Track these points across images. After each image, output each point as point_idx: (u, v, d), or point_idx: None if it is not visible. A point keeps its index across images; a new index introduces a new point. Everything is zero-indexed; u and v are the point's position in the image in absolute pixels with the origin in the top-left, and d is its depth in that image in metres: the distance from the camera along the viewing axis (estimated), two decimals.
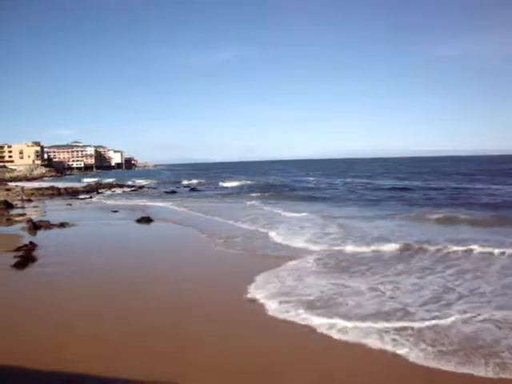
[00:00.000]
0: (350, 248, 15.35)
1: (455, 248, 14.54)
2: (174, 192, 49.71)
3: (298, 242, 16.70)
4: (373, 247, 15.30)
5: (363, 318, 8.61)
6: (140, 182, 72.90)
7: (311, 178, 74.58)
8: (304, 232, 18.77)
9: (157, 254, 16.42)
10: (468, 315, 8.60)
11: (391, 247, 15.19)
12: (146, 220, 24.48)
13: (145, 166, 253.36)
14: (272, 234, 18.61)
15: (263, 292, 10.48)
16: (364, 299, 9.81)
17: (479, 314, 8.61)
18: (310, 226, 20.35)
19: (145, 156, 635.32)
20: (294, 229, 19.73)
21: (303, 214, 24.69)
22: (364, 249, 15.19)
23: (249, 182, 63.47)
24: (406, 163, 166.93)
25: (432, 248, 14.75)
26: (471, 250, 14.21)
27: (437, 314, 8.80)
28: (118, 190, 55.43)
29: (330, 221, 21.67)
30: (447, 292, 10.21)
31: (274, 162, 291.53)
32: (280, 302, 9.70)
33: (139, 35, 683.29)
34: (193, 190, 53.75)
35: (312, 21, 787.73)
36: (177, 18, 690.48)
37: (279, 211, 26.37)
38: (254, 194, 40.28)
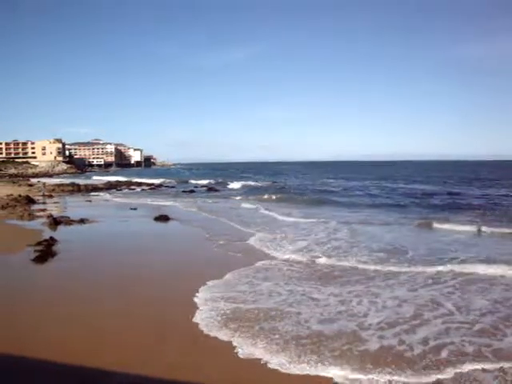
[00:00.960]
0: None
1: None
2: (192, 191, 49.97)
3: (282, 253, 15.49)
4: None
5: None
6: (158, 180, 73.29)
7: (330, 181, 74.30)
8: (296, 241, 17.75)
9: (172, 252, 16.57)
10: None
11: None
12: (164, 218, 24.68)
13: (163, 165, 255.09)
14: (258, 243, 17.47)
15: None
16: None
17: None
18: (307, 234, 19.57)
19: (163, 154, 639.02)
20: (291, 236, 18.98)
21: (310, 219, 23.93)
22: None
23: (265, 184, 63.61)
24: (424, 167, 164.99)
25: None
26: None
27: None
28: (137, 188, 55.97)
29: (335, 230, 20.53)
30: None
31: (290, 164, 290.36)
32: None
33: (158, 35, 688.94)
34: (210, 189, 53.92)
35: (326, 21, 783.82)
36: (191, 19, 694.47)
37: (282, 217, 25.34)
38: (267, 196, 40.03)
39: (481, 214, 25.54)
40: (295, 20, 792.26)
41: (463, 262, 13.71)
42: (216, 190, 52.05)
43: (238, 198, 39.78)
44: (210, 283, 11.43)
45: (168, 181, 72.82)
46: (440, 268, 12.95)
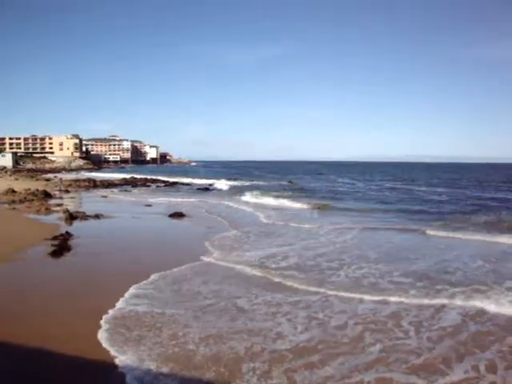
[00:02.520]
0: None
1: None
2: (207, 189, 50.07)
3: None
4: None
5: None
6: (173, 178, 73.52)
7: (344, 181, 73.98)
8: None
9: (185, 248, 16.61)
10: None
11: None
12: (178, 215, 24.82)
13: (179, 162, 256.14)
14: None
15: None
16: None
17: None
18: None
19: (179, 152, 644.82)
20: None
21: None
22: None
23: (278, 183, 63.55)
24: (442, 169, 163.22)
25: None
26: None
27: None
28: (153, 185, 56.30)
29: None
30: None
31: (311, 163, 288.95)
32: None
33: (178, 32, 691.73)
34: (226, 188, 53.97)
35: (363, 19, 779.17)
36: (204, 17, 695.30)
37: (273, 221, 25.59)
38: (286, 193, 40.00)
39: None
40: (330, 18, 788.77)
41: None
42: (227, 189, 52.10)
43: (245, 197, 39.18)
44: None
45: (183, 179, 72.94)
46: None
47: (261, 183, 62.22)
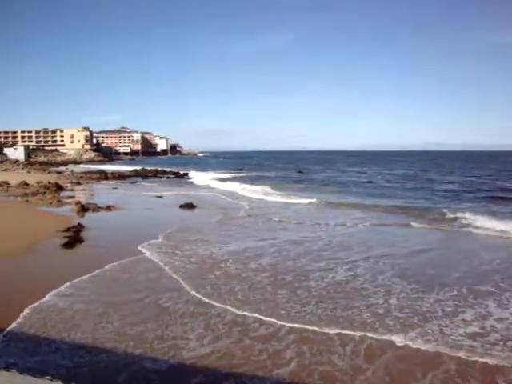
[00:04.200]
0: None
1: None
2: (219, 180, 50.07)
3: None
4: None
5: None
6: (184, 169, 73.68)
7: (354, 169, 73.68)
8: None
9: (198, 238, 16.64)
10: None
11: None
12: (189, 206, 24.93)
13: (189, 153, 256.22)
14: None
15: None
16: None
17: None
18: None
19: (189, 142, 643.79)
20: None
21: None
22: None
23: (286, 174, 63.56)
24: (454, 157, 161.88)
25: None
26: None
27: None
28: (163, 177, 56.56)
29: None
30: None
31: (323, 153, 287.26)
32: None
33: (185, 22, 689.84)
34: (234, 178, 54.02)
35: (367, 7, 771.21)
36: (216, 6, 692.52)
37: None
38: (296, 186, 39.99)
39: None
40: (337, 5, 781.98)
41: None
42: (235, 179, 52.13)
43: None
44: None
45: (193, 170, 73.02)
46: None
47: (270, 174, 62.17)
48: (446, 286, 10.71)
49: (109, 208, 23.70)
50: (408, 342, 7.60)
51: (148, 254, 13.71)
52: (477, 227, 18.52)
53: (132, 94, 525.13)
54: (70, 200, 27.04)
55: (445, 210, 22.46)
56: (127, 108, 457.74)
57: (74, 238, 15.63)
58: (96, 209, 23.32)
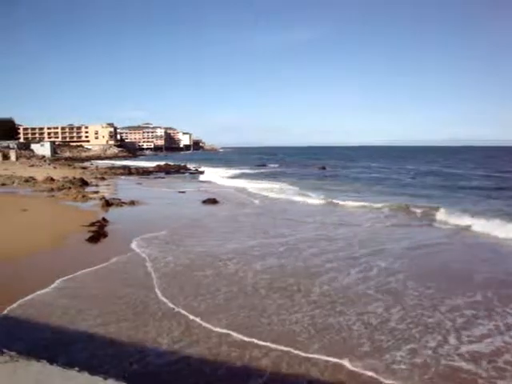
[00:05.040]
0: None
1: None
2: (240, 176, 50.13)
3: None
4: None
5: None
6: (207, 165, 73.93)
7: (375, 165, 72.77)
8: None
9: (219, 234, 16.60)
10: None
11: None
12: (212, 201, 24.94)
13: (212, 149, 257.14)
14: None
15: None
16: None
17: None
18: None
19: (212, 138, 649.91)
20: None
21: None
22: None
23: (315, 171, 63.14)
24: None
25: None
26: None
27: None
28: (186, 172, 56.93)
29: None
30: None
31: (346, 148, 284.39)
32: None
33: (209, 18, 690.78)
34: (257, 175, 53.99)
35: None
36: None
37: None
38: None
39: None
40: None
41: None
42: (257, 176, 52.07)
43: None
44: None
45: (216, 166, 73.23)
46: None
47: (293, 170, 61.87)
48: (468, 291, 9.98)
49: (132, 203, 23.87)
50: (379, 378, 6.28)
51: (141, 249, 13.66)
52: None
53: (156, 90, 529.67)
54: (94, 195, 27.36)
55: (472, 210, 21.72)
56: (151, 104, 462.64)
57: (98, 232, 15.78)
58: (120, 204, 23.51)
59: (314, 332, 7.81)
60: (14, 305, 8.73)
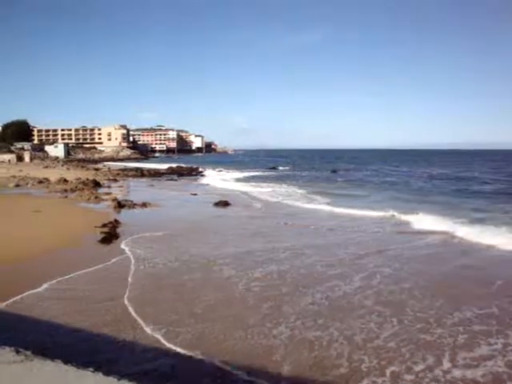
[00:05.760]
0: None
1: None
2: (251, 178, 50.22)
3: None
4: None
5: None
6: (219, 167, 74.14)
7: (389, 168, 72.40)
8: None
9: (228, 238, 16.57)
10: None
11: None
12: (223, 204, 24.98)
13: (224, 151, 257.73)
14: None
15: None
16: None
17: None
18: None
19: (223, 140, 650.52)
20: None
21: None
22: None
23: (327, 174, 62.96)
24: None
25: None
26: None
27: None
28: (198, 175, 57.18)
29: None
30: None
31: (358, 151, 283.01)
32: None
33: (221, 20, 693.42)
34: (269, 178, 54.05)
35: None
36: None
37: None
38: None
39: None
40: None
41: None
42: (269, 179, 52.11)
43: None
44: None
45: (228, 169, 73.44)
46: None
47: (303, 173, 61.76)
48: (483, 301, 9.29)
49: (144, 205, 23.99)
50: None
51: (133, 250, 13.73)
52: None
53: (169, 93, 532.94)
54: (107, 196, 27.57)
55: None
56: (164, 106, 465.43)
57: (110, 233, 15.90)
58: (132, 205, 23.64)
59: (291, 349, 7.09)
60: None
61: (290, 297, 9.59)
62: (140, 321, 8.05)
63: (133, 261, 12.41)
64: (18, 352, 3.61)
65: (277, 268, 11.95)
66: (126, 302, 9.08)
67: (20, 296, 9.19)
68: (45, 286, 9.92)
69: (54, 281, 10.29)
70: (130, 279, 10.69)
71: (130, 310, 8.63)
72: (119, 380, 3.23)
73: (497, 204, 25.86)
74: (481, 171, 65.06)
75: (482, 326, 8.04)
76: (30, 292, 9.49)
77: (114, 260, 12.42)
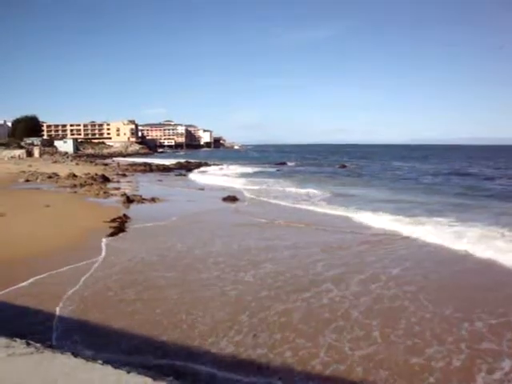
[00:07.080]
0: None
1: None
2: (259, 174, 50.21)
3: None
4: None
5: None
6: (228, 162, 74.21)
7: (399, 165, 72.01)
8: None
9: (238, 235, 16.56)
10: None
11: None
12: (232, 199, 24.98)
13: (232, 147, 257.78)
14: None
15: None
16: None
17: None
18: None
19: (231, 135, 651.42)
20: None
21: None
22: None
23: (336, 168, 62.80)
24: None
25: None
26: None
27: None
28: (206, 170, 57.30)
29: None
30: None
31: (367, 146, 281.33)
32: None
33: (229, 16, 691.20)
34: (277, 174, 54.01)
35: None
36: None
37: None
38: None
39: None
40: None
41: None
42: (277, 175, 52.03)
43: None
44: None
45: (237, 164, 73.37)
46: None
47: (312, 169, 61.58)
48: (497, 309, 8.38)
49: (153, 200, 24.06)
50: None
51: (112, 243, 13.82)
52: None
53: (178, 88, 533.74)
54: (115, 191, 27.67)
55: None
56: (172, 101, 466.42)
57: (119, 228, 15.98)
58: (141, 200, 23.71)
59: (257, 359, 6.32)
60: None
61: (274, 302, 8.74)
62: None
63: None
64: (28, 344, 3.66)
65: (274, 268, 11.97)
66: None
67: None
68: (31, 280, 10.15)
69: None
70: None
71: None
72: (128, 372, 3.26)
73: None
74: (489, 167, 64.64)
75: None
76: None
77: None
